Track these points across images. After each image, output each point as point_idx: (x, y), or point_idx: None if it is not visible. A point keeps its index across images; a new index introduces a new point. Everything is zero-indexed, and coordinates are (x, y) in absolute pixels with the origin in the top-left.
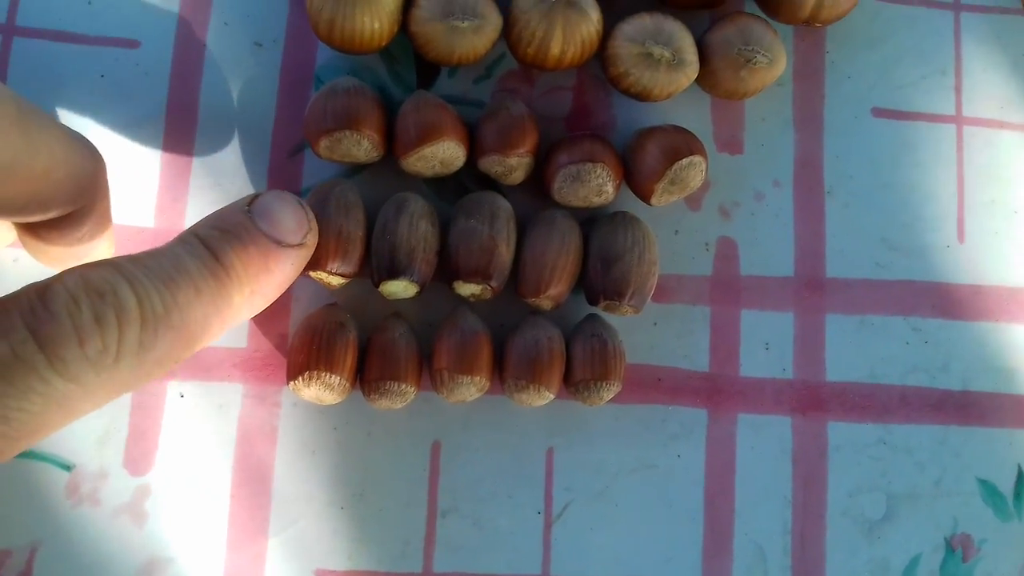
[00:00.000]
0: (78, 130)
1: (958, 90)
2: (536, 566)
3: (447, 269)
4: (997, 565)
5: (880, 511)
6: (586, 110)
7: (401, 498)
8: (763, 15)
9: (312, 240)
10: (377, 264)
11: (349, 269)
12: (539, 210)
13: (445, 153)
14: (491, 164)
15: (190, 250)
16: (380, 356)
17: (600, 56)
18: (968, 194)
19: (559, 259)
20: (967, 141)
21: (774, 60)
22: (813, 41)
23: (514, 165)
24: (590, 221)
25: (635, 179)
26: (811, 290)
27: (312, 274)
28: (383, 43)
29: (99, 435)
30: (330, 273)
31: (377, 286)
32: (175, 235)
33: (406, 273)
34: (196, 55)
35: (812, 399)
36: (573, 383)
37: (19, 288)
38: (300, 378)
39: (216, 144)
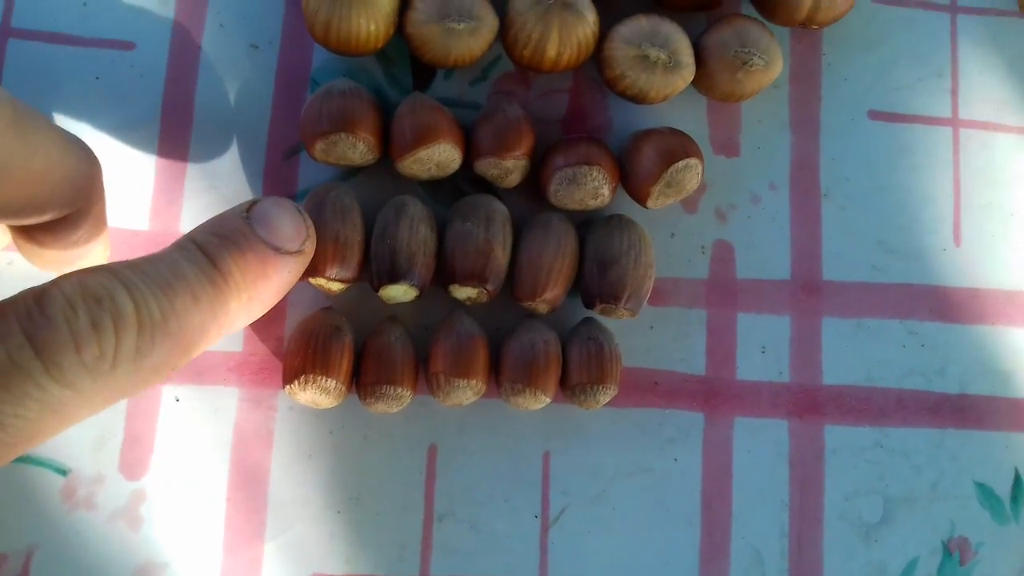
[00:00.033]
0: (73, 132)
1: (954, 92)
2: (533, 570)
3: (443, 272)
4: (994, 568)
5: (877, 514)
6: (582, 112)
7: (398, 502)
8: (759, 17)
9: (310, 247)
10: (377, 269)
11: (348, 274)
12: (535, 213)
13: (441, 156)
14: (487, 167)
15: (188, 256)
16: (376, 360)
17: (596, 58)
18: (964, 197)
19: (555, 262)
20: (963, 144)
21: (770, 62)
22: (809, 43)
23: (510, 168)
24: (586, 224)
25: (631, 182)
26: (807, 293)
27: (311, 280)
28: (379, 45)
29: (95, 439)
30: (329, 279)
31: (377, 291)
32: (170, 238)
33: (407, 278)
34: (192, 57)
35: (809, 402)
36: (569, 387)
37: (15, 293)
38: (296, 382)
39: (212, 146)
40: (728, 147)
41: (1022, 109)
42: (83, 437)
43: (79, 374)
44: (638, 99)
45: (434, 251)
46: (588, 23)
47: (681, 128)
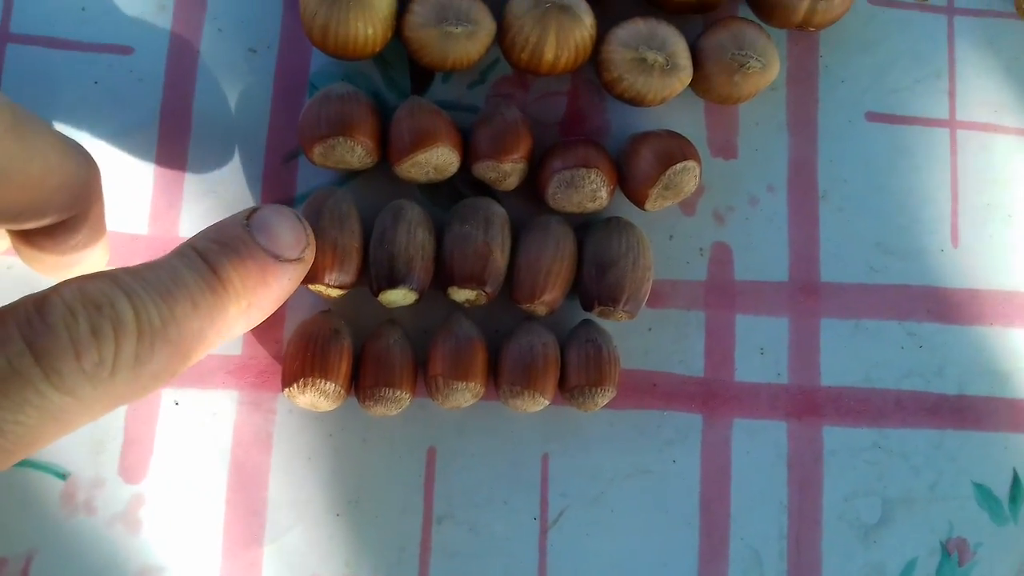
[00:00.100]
0: (72, 137)
1: (952, 94)
2: (532, 572)
3: (442, 275)
4: (993, 569)
5: (876, 515)
6: (580, 115)
7: (397, 504)
8: (756, 19)
9: (310, 255)
10: (376, 274)
11: (347, 280)
12: (533, 216)
13: (439, 159)
14: (485, 170)
15: (188, 263)
16: (375, 363)
17: (594, 61)
18: (962, 198)
19: (553, 265)
20: (961, 145)
21: (767, 65)
22: (807, 45)
23: (508, 171)
24: (584, 227)
25: (629, 184)
26: (806, 294)
27: (310, 287)
28: (377, 49)
29: (94, 443)
30: (328, 286)
31: (376, 295)
32: (170, 242)
33: (405, 282)
34: (190, 61)
35: (807, 404)
36: (568, 389)
37: (15, 298)
38: (295, 385)
39: (210, 150)
40: (726, 149)
41: (1019, 110)
42: (82, 441)
43: (79, 381)
44: (636, 102)
45: (432, 254)
46: (585, 26)
47: (679, 130)
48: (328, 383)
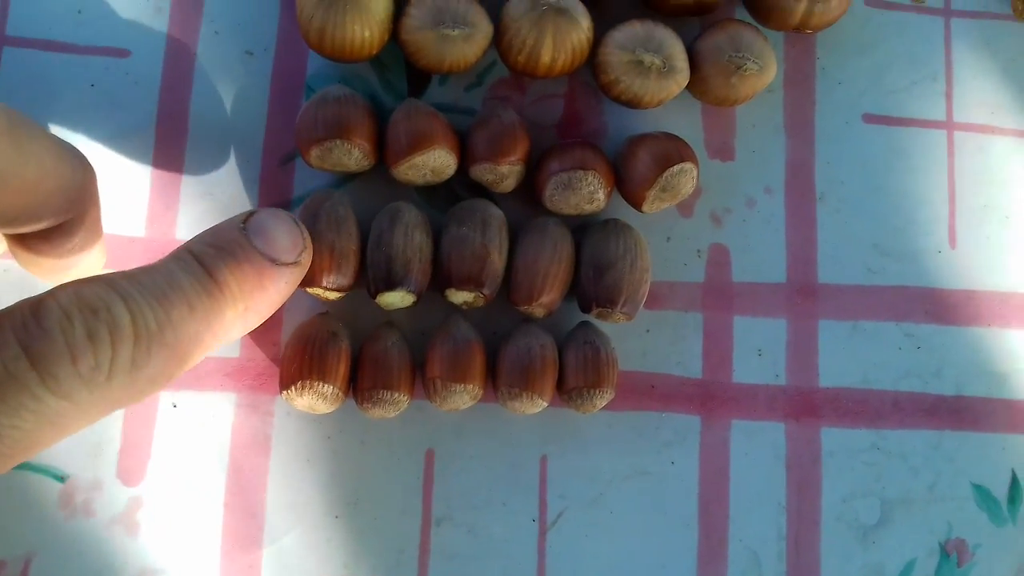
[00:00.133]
0: (68, 140)
1: (949, 96)
2: (531, 574)
3: (439, 277)
4: (992, 570)
5: (874, 516)
6: (577, 117)
7: (395, 507)
8: (753, 22)
9: (306, 258)
10: (373, 276)
11: (344, 283)
12: (531, 218)
13: (436, 161)
14: (482, 172)
15: (184, 267)
16: (373, 365)
17: (591, 63)
18: (960, 199)
19: (551, 267)
20: (958, 146)
21: (764, 66)
22: (804, 47)
23: (505, 173)
24: (582, 228)
25: (626, 186)
26: (803, 296)
27: (308, 290)
28: (374, 51)
29: (92, 446)
30: (325, 289)
31: (374, 298)
32: (167, 245)
33: (403, 284)
34: (187, 64)
35: (805, 405)
36: (566, 391)
37: (12, 302)
38: (293, 388)
39: (207, 153)
40: (723, 151)
41: (1016, 112)
42: (81, 443)
43: (75, 385)
44: (633, 104)
45: (430, 256)
46: (582, 29)
47: (676, 132)
48: (326, 385)
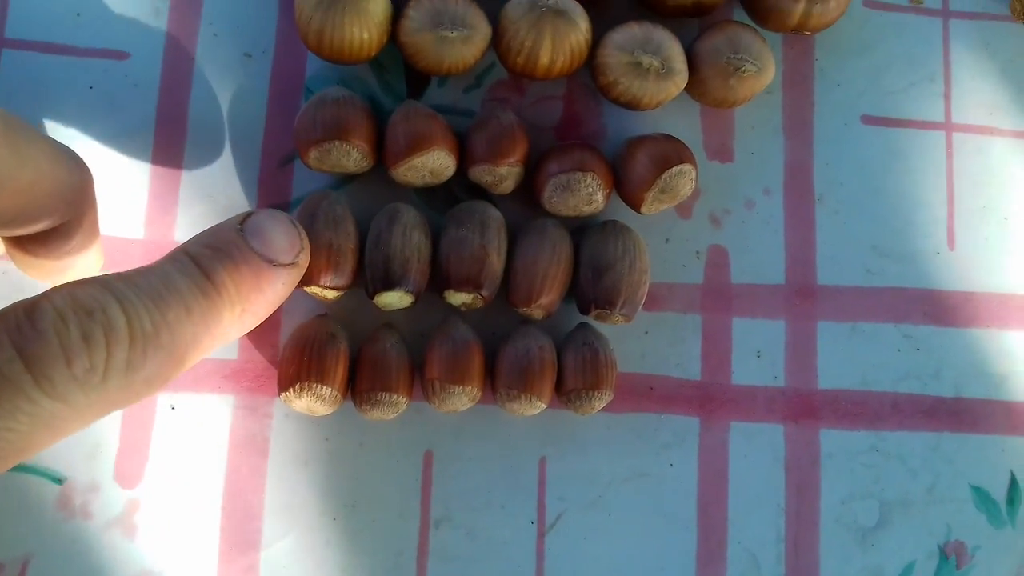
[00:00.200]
0: (67, 142)
1: (947, 97)
2: None
3: (438, 279)
4: (991, 572)
5: (873, 518)
6: (576, 119)
7: (394, 509)
8: (752, 23)
9: (304, 259)
10: (372, 276)
11: (342, 282)
12: (530, 219)
13: (435, 163)
14: (481, 174)
15: (181, 268)
16: (371, 367)
17: (589, 65)
18: (958, 200)
19: (550, 268)
20: (957, 148)
21: (763, 68)
22: (802, 49)
23: (504, 174)
24: (581, 230)
25: (625, 188)
26: (802, 297)
27: (306, 289)
28: (372, 53)
29: (90, 448)
30: (324, 287)
31: (372, 298)
32: (165, 246)
33: (401, 284)
34: (185, 66)
35: (804, 407)
36: (565, 392)
37: (7, 304)
38: (291, 389)
39: (206, 155)
40: (722, 153)
41: (1015, 113)
42: (78, 445)
43: (70, 387)
44: (631, 105)
45: (428, 257)
46: (581, 30)
47: (675, 134)
48: (324, 387)
